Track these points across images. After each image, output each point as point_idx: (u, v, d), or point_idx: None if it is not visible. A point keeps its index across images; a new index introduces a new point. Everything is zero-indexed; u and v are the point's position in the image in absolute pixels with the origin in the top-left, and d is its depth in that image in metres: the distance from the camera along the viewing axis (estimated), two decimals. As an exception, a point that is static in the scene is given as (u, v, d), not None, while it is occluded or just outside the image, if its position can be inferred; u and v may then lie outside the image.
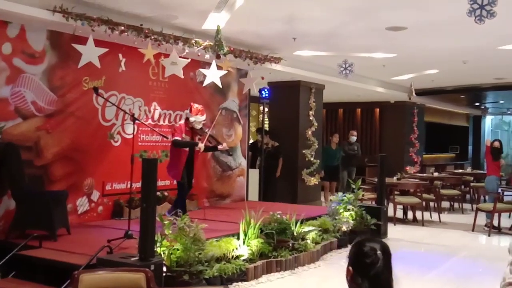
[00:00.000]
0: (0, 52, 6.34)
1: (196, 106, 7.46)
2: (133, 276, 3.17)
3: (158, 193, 8.38)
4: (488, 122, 25.64)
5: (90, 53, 6.42)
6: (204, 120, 7.52)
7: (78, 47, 6.38)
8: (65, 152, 7.16)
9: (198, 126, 7.42)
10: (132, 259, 4.85)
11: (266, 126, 12.50)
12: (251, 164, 11.45)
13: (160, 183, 8.39)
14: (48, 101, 6.92)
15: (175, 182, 7.67)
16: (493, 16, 5.45)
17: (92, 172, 7.56)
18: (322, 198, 12.80)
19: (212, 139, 7.64)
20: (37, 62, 6.78)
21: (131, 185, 6.18)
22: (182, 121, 7.52)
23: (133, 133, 6.70)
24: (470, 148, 23.70)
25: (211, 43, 7.54)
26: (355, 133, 13.41)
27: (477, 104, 21.59)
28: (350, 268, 2.07)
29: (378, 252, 2.02)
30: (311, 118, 12.47)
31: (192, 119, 7.35)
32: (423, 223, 10.44)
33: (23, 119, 6.64)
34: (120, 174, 7.73)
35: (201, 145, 7.32)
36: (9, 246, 5.65)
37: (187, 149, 7.32)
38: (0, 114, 6.38)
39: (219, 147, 7.67)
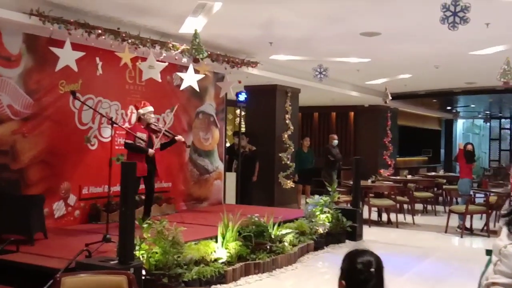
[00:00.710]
0: (-25, 55, 6.28)
1: (138, 103, 7.67)
2: (115, 278, 3.19)
3: (136, 197, 8.38)
4: (460, 125, 26.19)
5: (67, 57, 6.41)
6: (152, 110, 7.59)
7: (55, 50, 6.37)
8: (41, 156, 7.11)
9: (152, 119, 7.54)
10: (112, 262, 4.85)
11: (243, 130, 12.55)
12: (228, 168, 11.49)
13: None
14: (24, 105, 6.87)
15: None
16: (467, 22, 5.61)
17: (69, 176, 7.51)
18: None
19: (168, 133, 7.78)
20: (13, 65, 6.73)
21: (109, 189, 6.18)
22: (135, 123, 7.60)
23: (110, 137, 6.66)
24: (442, 151, 24.14)
25: (188, 47, 7.58)
26: (336, 136, 13.39)
27: (449, 108, 22.05)
28: (343, 282, 2.10)
29: (372, 269, 2.06)
30: (287, 121, 12.58)
31: (141, 111, 7.47)
32: (397, 225, 10.61)
33: (-1, 123, 6.59)
34: (97, 178, 7.70)
35: (151, 151, 7.35)
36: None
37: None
38: (-25, 117, 6.32)
39: (176, 138, 7.80)
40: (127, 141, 7.31)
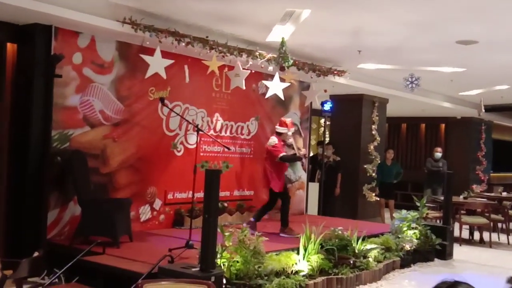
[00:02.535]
0: (71, 61, 6.53)
1: (288, 120, 7.97)
2: (195, 287, 3.13)
3: (219, 204, 8.42)
4: (561, 140, 24.40)
5: (157, 64, 6.53)
6: (291, 135, 7.97)
7: (146, 58, 6.51)
8: (130, 161, 7.29)
9: (289, 140, 7.85)
10: (193, 269, 4.84)
11: (327, 139, 12.34)
12: (311, 178, 11.31)
13: (220, 193, 8.46)
14: (115, 110, 7.08)
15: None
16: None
17: (155, 181, 7.66)
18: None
19: (297, 149, 8.07)
20: (105, 72, 6.96)
21: (193, 195, 6.20)
22: (275, 139, 7.74)
23: (196, 143, 6.70)
24: (540, 167, 22.60)
25: (275, 55, 7.53)
26: (439, 149, 12.98)
27: (548, 121, 20.62)
28: None
29: None
30: (373, 132, 12.24)
31: (289, 133, 7.81)
32: (490, 244, 9.99)
33: (90, 128, 6.81)
34: (182, 184, 7.81)
35: (304, 160, 7.78)
36: (73, 251, 5.75)
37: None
38: (69, 122, 6.56)
39: (300, 153, 8.12)
40: (283, 153, 7.61)
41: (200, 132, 6.89)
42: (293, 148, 7.90)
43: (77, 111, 6.65)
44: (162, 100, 6.39)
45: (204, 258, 4.81)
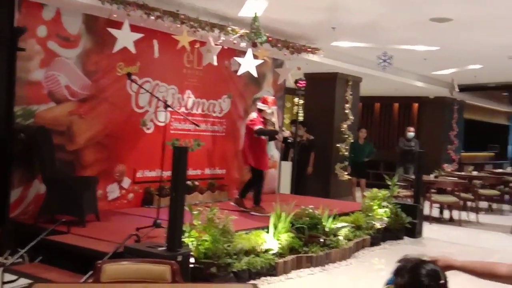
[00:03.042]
0: (35, 34, 6.28)
1: (270, 97, 7.89)
2: (158, 268, 3.03)
3: (189, 182, 8.29)
4: (530, 121, 24.84)
5: (125, 38, 6.35)
6: (273, 112, 7.88)
7: (113, 31, 6.31)
8: (97, 138, 7.10)
9: (269, 117, 7.73)
10: (160, 249, 4.74)
11: (301, 118, 12.27)
12: (284, 157, 11.26)
13: (190, 172, 8.36)
14: (82, 86, 6.86)
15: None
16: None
17: (124, 159, 7.49)
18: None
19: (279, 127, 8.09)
20: (72, 46, 6.72)
21: (161, 173, 6.08)
22: (254, 114, 7.72)
23: (165, 121, 6.55)
24: (510, 147, 23.00)
25: (248, 31, 7.38)
26: (412, 129, 13.02)
27: (519, 102, 20.93)
28: None
29: (442, 281, 1.74)
30: (347, 111, 12.21)
31: (269, 110, 7.66)
32: (460, 223, 10.10)
33: (56, 103, 6.59)
34: (151, 162, 7.64)
35: (280, 134, 7.78)
36: (38, 230, 5.60)
37: (264, 138, 7.67)
38: (34, 97, 6.33)
39: (284, 134, 8.23)
40: (258, 126, 7.46)
41: (170, 109, 6.75)
42: (275, 127, 7.81)
43: (41, 86, 6.42)
44: (129, 75, 6.19)
45: (171, 237, 4.71)
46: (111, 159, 7.31)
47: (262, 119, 7.65)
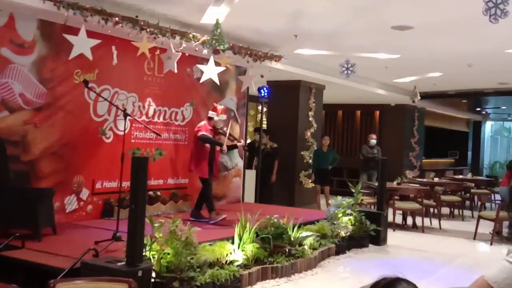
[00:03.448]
0: (-14, 40, 6.02)
1: (220, 106, 7.80)
2: (115, 286, 2.86)
3: (151, 192, 8.11)
4: (488, 127, 25.43)
5: (82, 44, 6.14)
6: (224, 119, 7.89)
7: (70, 37, 6.10)
8: (53, 148, 6.83)
9: (220, 125, 7.73)
10: (119, 263, 4.53)
11: (264, 126, 12.20)
12: (248, 165, 11.15)
13: (152, 182, 8.17)
14: (37, 94, 6.59)
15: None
16: (506, 15, 5.22)
17: (82, 169, 7.23)
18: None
19: (231, 137, 7.86)
20: (26, 52, 6.45)
21: (120, 184, 5.87)
22: (203, 122, 7.70)
23: (124, 130, 6.33)
24: (469, 153, 23.47)
25: (210, 38, 7.24)
26: (374, 136, 13.19)
27: (478, 109, 21.40)
28: None
29: None
30: (310, 119, 12.21)
31: (217, 118, 7.62)
32: (423, 229, 10.15)
33: (9, 112, 6.31)
34: (111, 172, 7.41)
35: (225, 147, 7.58)
36: (-11, 246, 5.31)
37: (208, 146, 7.56)
38: (-15, 106, 6.06)
39: (238, 144, 7.94)
40: (203, 132, 7.40)
41: (130, 118, 6.56)
42: (227, 136, 7.67)
43: (-6, 95, 6.14)
44: (86, 82, 5.95)
45: (131, 251, 4.51)
46: (68, 169, 7.04)
47: (211, 128, 7.61)
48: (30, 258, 5.08)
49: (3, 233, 5.66)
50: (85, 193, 7.29)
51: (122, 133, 7.46)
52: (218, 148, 7.63)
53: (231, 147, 8.01)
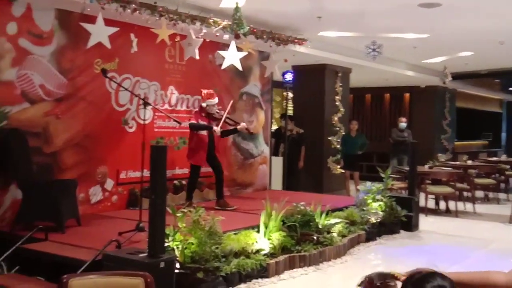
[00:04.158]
0: (4, 32, 5.94)
1: (205, 91, 7.53)
2: (129, 281, 2.74)
3: (176, 181, 8.03)
4: (522, 108, 24.70)
5: (99, 33, 6.03)
6: (216, 103, 7.54)
7: (87, 26, 6.00)
8: (76, 139, 6.76)
9: (214, 110, 7.45)
10: (141, 255, 4.44)
11: (290, 112, 12.00)
12: (275, 152, 10.98)
13: (177, 171, 8.08)
14: (57, 85, 6.52)
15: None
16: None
17: (106, 159, 7.16)
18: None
19: (230, 120, 7.63)
20: (45, 43, 6.37)
21: (142, 173, 5.77)
22: (196, 110, 7.62)
23: (143, 119, 6.22)
24: (503, 135, 22.83)
25: (230, 23, 7.07)
26: (404, 119, 12.68)
27: (511, 89, 20.73)
28: None
29: None
30: (337, 103, 11.95)
31: (204, 104, 7.42)
32: (456, 214, 9.85)
33: (30, 104, 6.25)
34: (135, 162, 7.23)
35: (217, 128, 7.33)
36: (14, 238, 5.27)
37: (205, 133, 7.36)
38: (6, 98, 5.98)
39: (238, 127, 7.71)
40: (191, 121, 7.32)
41: (150, 107, 6.46)
42: (222, 120, 7.46)
43: (14, 86, 6.07)
44: (104, 71, 5.84)
45: (152, 242, 4.40)
46: (92, 160, 6.98)
47: (204, 114, 7.44)
48: (53, 251, 5.03)
49: (28, 225, 5.65)
50: (109, 184, 7.23)
51: (146, 122, 7.44)
52: (212, 131, 7.39)
53: (230, 132, 7.85)
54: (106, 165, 7.17)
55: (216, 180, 7.73)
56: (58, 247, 5.16)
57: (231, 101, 8.06)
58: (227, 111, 7.60)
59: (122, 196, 7.41)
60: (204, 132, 7.37)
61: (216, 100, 7.52)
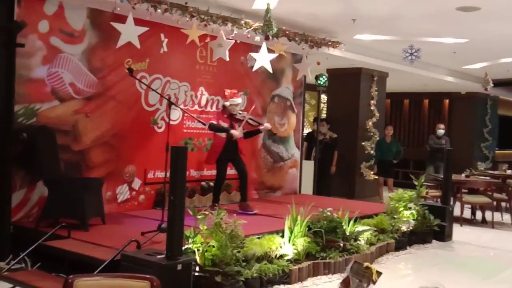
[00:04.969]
0: (36, 30, 6.01)
1: (228, 91, 7.37)
2: (135, 284, 2.69)
3: (204, 183, 8.00)
4: None
5: (129, 33, 6.04)
6: (240, 102, 7.42)
7: (117, 25, 6.02)
8: (105, 138, 6.80)
9: (236, 110, 7.29)
10: (158, 256, 4.39)
11: (324, 115, 11.84)
12: (307, 156, 10.84)
13: (205, 172, 8.06)
14: (87, 83, 6.57)
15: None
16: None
17: (134, 159, 7.18)
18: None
19: (252, 121, 7.44)
20: (76, 41, 6.43)
21: (165, 174, 5.74)
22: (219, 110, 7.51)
23: (171, 119, 6.20)
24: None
25: (262, 24, 6.99)
26: (442, 126, 12.39)
27: (557, 97, 19.97)
28: None
29: None
30: (372, 108, 11.73)
31: (227, 103, 7.27)
32: (493, 225, 9.51)
33: (60, 102, 6.31)
34: (163, 162, 7.27)
35: (235, 132, 7.17)
36: (38, 235, 5.33)
37: (223, 135, 7.23)
38: (36, 95, 6.06)
39: (261, 127, 7.52)
40: (211, 121, 7.18)
41: (181, 108, 6.46)
42: (244, 121, 7.27)
43: (44, 84, 6.14)
44: (130, 71, 5.81)
45: (170, 244, 4.35)
46: (120, 159, 7.01)
47: (226, 115, 7.29)
48: (73, 249, 5.04)
49: (54, 222, 5.70)
50: (137, 183, 7.25)
51: (175, 122, 7.48)
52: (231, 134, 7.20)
53: (253, 133, 7.65)
54: (134, 164, 7.19)
55: (240, 182, 7.61)
56: (80, 245, 5.17)
57: (255, 103, 8.00)
58: (249, 112, 7.50)
59: (149, 196, 7.42)
60: (223, 134, 7.25)
61: (239, 100, 7.41)
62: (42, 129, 5.98)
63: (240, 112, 7.46)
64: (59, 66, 6.27)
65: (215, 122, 7.21)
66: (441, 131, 12.24)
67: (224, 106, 7.39)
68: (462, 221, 9.48)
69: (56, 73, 6.24)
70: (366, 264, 4.76)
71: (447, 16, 7.61)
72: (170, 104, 5.88)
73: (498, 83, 13.91)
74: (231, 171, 8.37)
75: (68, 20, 6.32)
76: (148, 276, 2.73)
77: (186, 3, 6.65)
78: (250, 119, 7.42)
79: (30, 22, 5.85)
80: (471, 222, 9.97)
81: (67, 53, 6.34)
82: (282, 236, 5.85)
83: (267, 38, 6.67)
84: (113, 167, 6.93)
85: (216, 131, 7.24)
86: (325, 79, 10.10)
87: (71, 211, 5.70)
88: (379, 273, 4.79)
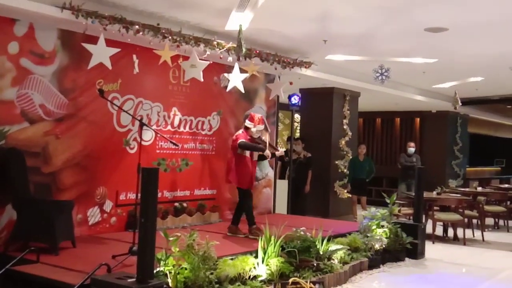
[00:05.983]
0: (6, 51, 5.95)
1: (257, 116, 7.45)
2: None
3: (177, 204, 7.95)
4: (537, 134, 24.35)
5: (101, 53, 6.03)
6: (261, 129, 7.47)
7: (88, 46, 6.00)
8: (76, 159, 6.73)
9: (256, 136, 7.35)
10: (129, 280, 4.33)
11: (297, 135, 11.91)
12: (281, 175, 10.86)
13: (179, 193, 8.01)
14: (58, 105, 6.50)
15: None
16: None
17: (105, 180, 7.10)
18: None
19: (270, 146, 7.45)
20: (46, 62, 6.38)
21: (136, 196, 5.69)
22: (240, 131, 7.42)
23: (143, 140, 6.16)
24: (517, 161, 22.52)
25: (235, 45, 7.04)
26: (412, 144, 12.70)
27: (525, 115, 20.47)
28: None
29: None
30: (345, 127, 11.85)
31: (254, 129, 7.29)
32: (464, 241, 9.62)
33: (30, 123, 6.23)
34: (135, 183, 7.22)
35: (268, 152, 7.20)
36: (7, 259, 5.20)
37: (248, 155, 7.26)
38: (5, 117, 5.97)
39: (277, 153, 7.59)
40: (242, 140, 7.14)
41: (154, 128, 6.44)
42: (267, 145, 7.31)
43: (13, 106, 6.06)
44: (101, 92, 5.78)
45: (141, 267, 4.29)
46: (91, 181, 6.92)
47: (249, 137, 7.30)
48: (42, 273, 4.93)
49: (23, 246, 5.58)
50: (108, 205, 7.17)
51: (148, 143, 7.41)
52: (262, 153, 7.25)
53: (262, 156, 7.64)
54: (106, 186, 7.11)
55: (238, 204, 7.56)
56: (49, 269, 5.06)
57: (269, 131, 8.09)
58: (267, 136, 7.56)
59: (121, 218, 7.33)
60: (247, 154, 7.24)
61: (261, 127, 7.46)
62: (11, 152, 5.88)
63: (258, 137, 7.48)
64: (29, 87, 6.20)
65: (245, 140, 7.17)
66: (411, 149, 12.46)
67: (247, 128, 7.36)
68: (434, 238, 9.57)
69: (26, 94, 6.17)
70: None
71: (416, 37, 7.76)
72: (141, 125, 5.84)
73: (467, 102, 14.22)
74: (205, 191, 8.39)
75: (39, 41, 6.27)
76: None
77: (158, 24, 6.67)
78: (269, 144, 7.45)
79: (0, 43, 5.78)
80: (443, 239, 10.08)
81: (37, 74, 6.28)
82: (256, 257, 5.83)
83: (238, 59, 6.70)
84: (84, 189, 6.84)
85: (249, 149, 7.21)
86: (298, 98, 10.18)
87: (40, 234, 5.60)
88: None
